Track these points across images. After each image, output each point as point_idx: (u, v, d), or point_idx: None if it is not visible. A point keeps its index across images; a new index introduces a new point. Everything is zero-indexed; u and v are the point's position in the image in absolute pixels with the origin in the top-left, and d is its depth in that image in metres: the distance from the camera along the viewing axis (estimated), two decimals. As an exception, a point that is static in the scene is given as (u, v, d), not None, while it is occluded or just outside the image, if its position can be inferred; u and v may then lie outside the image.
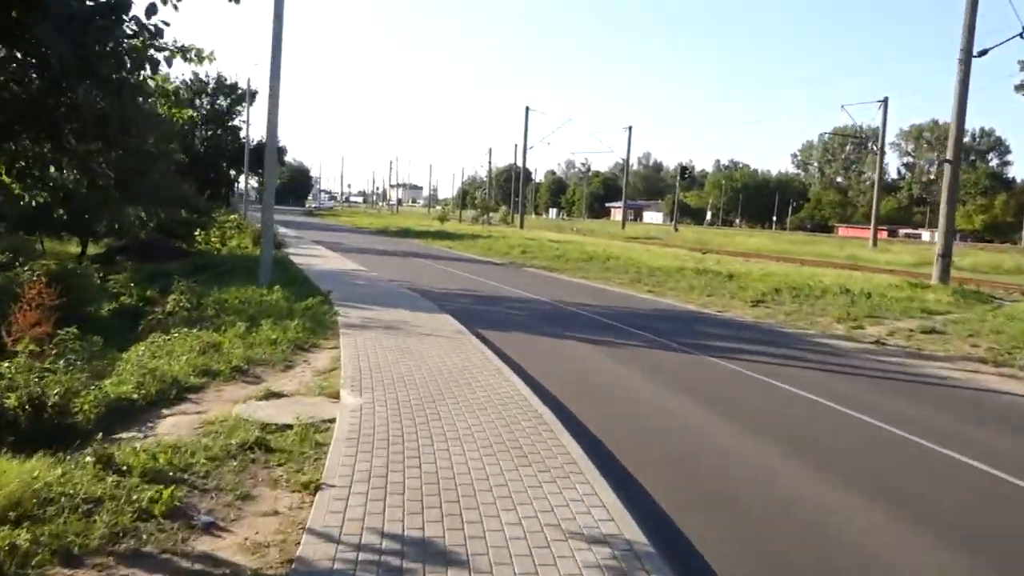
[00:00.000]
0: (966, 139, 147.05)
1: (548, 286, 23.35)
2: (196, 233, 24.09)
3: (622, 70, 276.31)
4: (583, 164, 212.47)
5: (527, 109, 69.68)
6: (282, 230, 47.87)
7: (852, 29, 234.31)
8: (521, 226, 68.68)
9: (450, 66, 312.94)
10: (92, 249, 25.40)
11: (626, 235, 66.31)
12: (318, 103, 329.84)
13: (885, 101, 54.66)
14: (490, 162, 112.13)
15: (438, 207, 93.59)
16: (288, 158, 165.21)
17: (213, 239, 24.01)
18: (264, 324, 11.27)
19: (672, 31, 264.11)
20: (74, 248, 25.34)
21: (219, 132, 62.22)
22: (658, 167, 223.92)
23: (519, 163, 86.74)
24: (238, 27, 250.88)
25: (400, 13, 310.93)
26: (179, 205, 27.77)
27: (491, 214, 64.86)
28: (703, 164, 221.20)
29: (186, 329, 11.02)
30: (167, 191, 23.35)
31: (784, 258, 42.49)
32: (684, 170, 69.41)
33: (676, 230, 70.38)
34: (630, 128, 75.85)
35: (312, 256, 27.26)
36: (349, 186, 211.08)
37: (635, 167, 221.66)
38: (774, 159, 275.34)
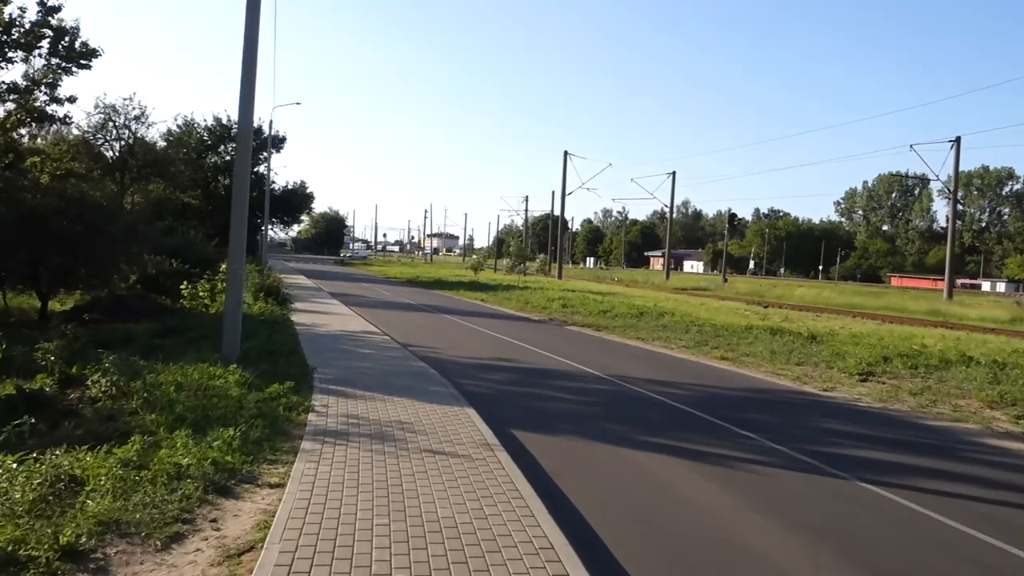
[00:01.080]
0: (1018, 185, 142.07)
1: (599, 351, 19.21)
2: (182, 287, 20.38)
3: (662, 117, 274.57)
4: (620, 212, 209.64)
5: (566, 154, 66.31)
6: (301, 281, 44.48)
7: (886, 75, 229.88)
8: (559, 276, 64.69)
9: (485, 113, 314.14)
10: (69, 303, 21.82)
11: (672, 286, 61.93)
12: (352, 150, 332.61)
13: (957, 141, 50.14)
14: (526, 209, 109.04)
15: (473, 256, 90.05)
16: (323, 207, 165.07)
17: (201, 293, 20.24)
18: (178, 435, 7.24)
19: (711, 77, 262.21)
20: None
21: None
22: (697, 215, 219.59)
23: (556, 210, 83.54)
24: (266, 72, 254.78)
25: (437, 58, 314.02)
26: (171, 254, 24.24)
27: (528, 263, 61.01)
28: (742, 212, 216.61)
29: (36, 452, 6.83)
30: (136, 241, 19.88)
31: (858, 313, 37.84)
32: (733, 217, 64.99)
33: (725, 281, 65.75)
34: (673, 174, 72.08)
35: (321, 314, 23.43)
36: (384, 235, 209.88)
37: (674, 215, 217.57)
38: (815, 207, 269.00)
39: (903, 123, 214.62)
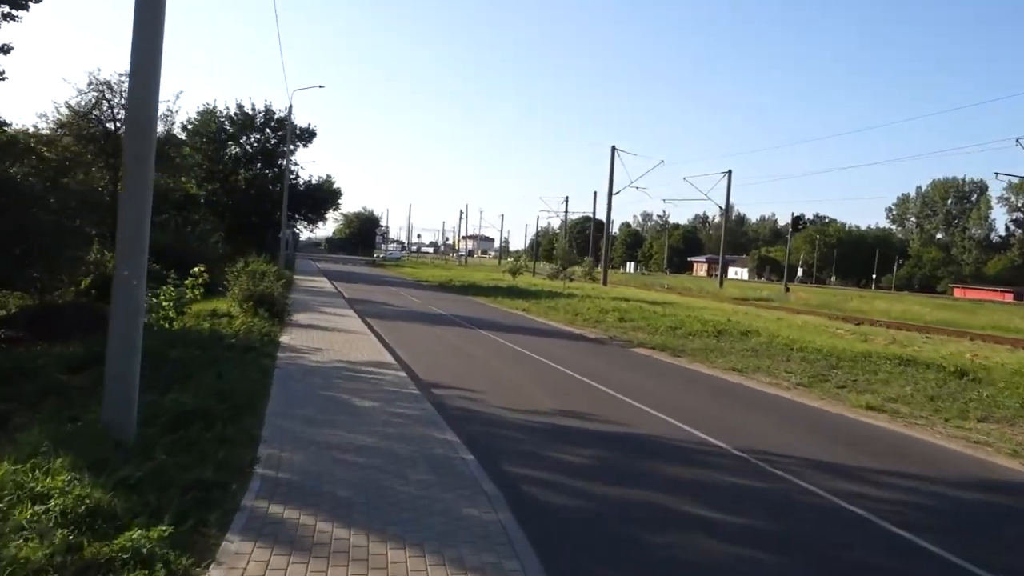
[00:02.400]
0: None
1: (697, 395, 13.83)
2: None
3: (711, 115, 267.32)
4: (660, 216, 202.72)
5: (613, 149, 60.74)
6: (320, 285, 39.48)
7: (941, 73, 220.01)
8: (604, 282, 59.16)
9: (525, 111, 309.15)
10: None
11: (729, 295, 56.09)
12: (387, 148, 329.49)
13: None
14: (566, 211, 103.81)
15: (509, 259, 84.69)
16: (357, 206, 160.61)
17: (164, 303, 15.26)
18: None
19: (758, 77, 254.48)
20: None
21: (266, 171, 55.02)
22: (740, 220, 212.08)
23: (600, 211, 78.01)
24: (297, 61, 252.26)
25: (475, 54, 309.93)
26: (153, 252, 19.23)
27: (575, 268, 55.57)
28: (784, 217, 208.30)
29: None
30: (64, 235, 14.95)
31: (966, 333, 31.86)
32: (797, 221, 59.05)
33: (787, 290, 59.82)
34: (729, 173, 66.13)
35: (324, 331, 18.29)
36: (419, 236, 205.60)
37: (716, 219, 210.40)
38: (860, 212, 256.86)
39: (953, 124, 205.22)
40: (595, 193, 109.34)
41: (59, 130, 31.09)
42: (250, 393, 9.34)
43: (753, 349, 21.31)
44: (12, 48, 15.80)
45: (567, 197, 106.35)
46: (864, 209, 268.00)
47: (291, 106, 42.14)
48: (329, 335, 17.28)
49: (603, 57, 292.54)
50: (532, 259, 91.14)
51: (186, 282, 16.17)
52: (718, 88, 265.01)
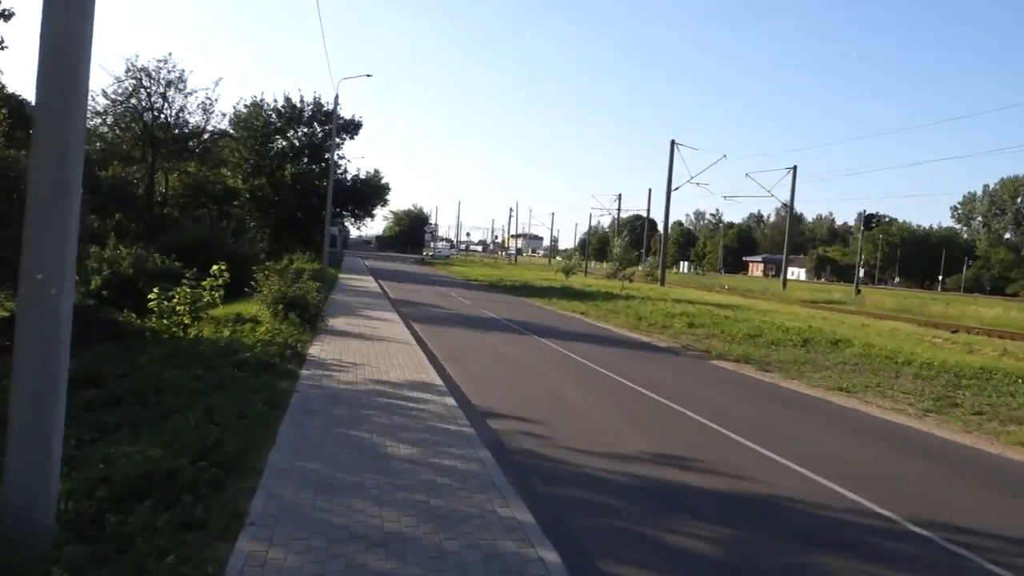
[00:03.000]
0: None
1: (818, 430, 11.13)
2: (151, 297, 13.21)
3: (772, 110, 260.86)
4: (713, 214, 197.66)
5: (673, 143, 57.57)
6: (366, 284, 37.43)
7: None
8: (661, 283, 56.14)
9: (577, 107, 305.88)
10: None
11: (797, 297, 52.66)
12: (437, 145, 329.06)
13: None
14: (618, 208, 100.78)
15: (559, 258, 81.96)
16: (407, 204, 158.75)
17: (178, 307, 13.10)
18: None
19: (822, 72, 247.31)
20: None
21: (313, 166, 53.21)
22: (798, 219, 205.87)
23: (654, 210, 75.03)
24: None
25: (526, 49, 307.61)
26: (173, 248, 17.32)
27: (634, 268, 52.64)
28: (843, 215, 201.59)
29: None
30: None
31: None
32: (870, 219, 55.00)
33: (859, 292, 56.05)
34: (794, 168, 62.40)
35: (362, 339, 16.00)
36: (468, 234, 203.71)
37: (771, 218, 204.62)
38: (921, 211, 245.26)
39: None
40: (649, 190, 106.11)
41: (97, 119, 29.60)
42: (248, 440, 6.98)
43: (850, 362, 18.55)
44: (12, 14, 13.82)
45: (620, 194, 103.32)
46: (924, 208, 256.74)
47: (337, 96, 40.10)
48: (367, 345, 14.96)
49: (660, 50, 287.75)
50: (584, 258, 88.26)
51: (204, 283, 13.98)
52: (777, 82, 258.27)
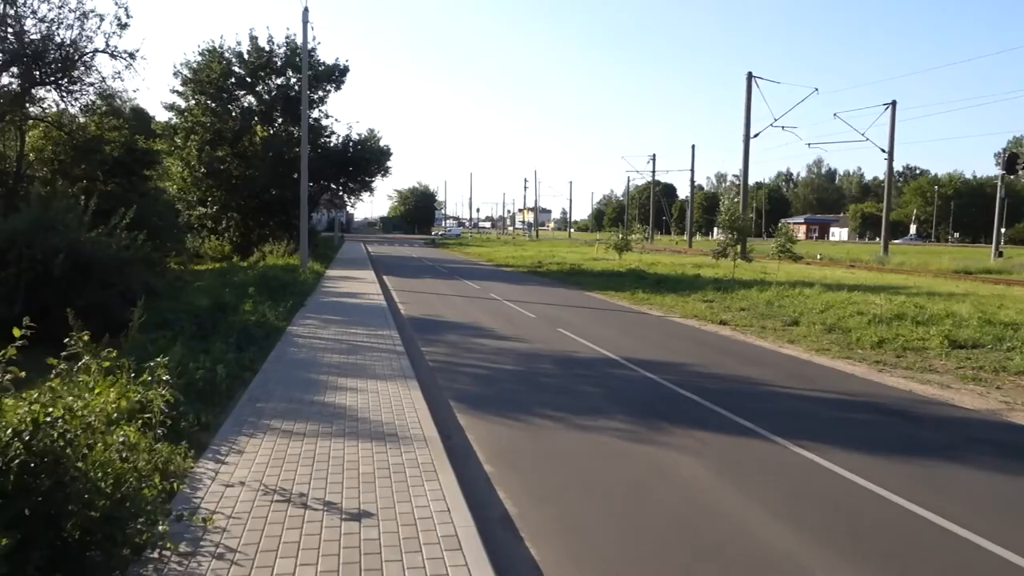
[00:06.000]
0: None
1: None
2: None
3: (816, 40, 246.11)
4: (736, 176, 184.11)
5: (750, 75, 45.26)
6: (358, 284, 25.36)
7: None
8: (743, 256, 43.84)
9: (585, 74, 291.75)
10: None
11: (907, 264, 40.62)
12: (444, 121, 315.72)
13: None
14: (654, 170, 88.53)
15: (607, 232, 69.40)
16: (413, 182, 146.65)
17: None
18: None
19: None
20: None
21: (292, 128, 40.91)
22: (831, 175, 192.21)
23: (698, 171, 62.48)
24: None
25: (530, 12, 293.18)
26: None
27: (749, 245, 40.47)
28: (872, 171, 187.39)
29: None
30: None
31: None
32: (1014, 158, 42.50)
33: (1000, 254, 44.05)
34: (893, 103, 49.86)
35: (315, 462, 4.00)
36: (478, 210, 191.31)
37: (803, 175, 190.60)
38: (965, 160, 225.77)
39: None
40: (692, 146, 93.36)
41: None
42: None
43: None
44: None
45: (654, 155, 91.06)
46: (955, 156, 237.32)
47: (306, 10, 27.59)
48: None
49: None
50: (646, 230, 76.05)
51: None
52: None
